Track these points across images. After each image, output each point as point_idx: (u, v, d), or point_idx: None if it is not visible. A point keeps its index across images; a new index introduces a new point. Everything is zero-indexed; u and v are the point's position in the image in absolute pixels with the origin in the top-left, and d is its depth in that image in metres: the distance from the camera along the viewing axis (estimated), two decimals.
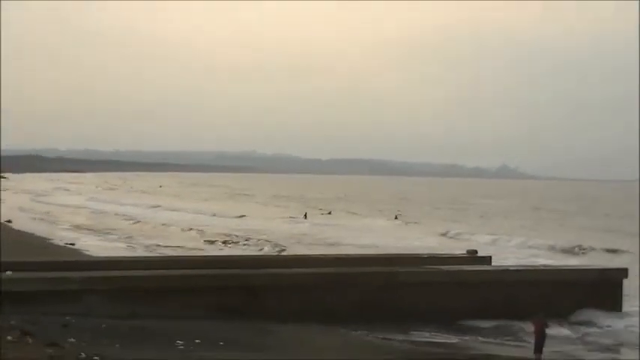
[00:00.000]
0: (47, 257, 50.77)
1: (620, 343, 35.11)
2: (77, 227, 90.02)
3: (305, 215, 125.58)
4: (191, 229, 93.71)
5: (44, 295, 33.78)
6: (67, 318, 30.70)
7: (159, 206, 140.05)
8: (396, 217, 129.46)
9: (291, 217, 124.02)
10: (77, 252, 61.65)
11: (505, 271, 45.00)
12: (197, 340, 29.35)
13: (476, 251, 52.93)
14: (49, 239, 71.39)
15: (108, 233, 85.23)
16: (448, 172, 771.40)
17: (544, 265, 55.92)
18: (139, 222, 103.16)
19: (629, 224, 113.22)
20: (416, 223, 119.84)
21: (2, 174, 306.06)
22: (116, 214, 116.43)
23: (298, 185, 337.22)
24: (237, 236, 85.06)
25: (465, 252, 53.16)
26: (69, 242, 68.70)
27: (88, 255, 57.75)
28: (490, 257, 50.58)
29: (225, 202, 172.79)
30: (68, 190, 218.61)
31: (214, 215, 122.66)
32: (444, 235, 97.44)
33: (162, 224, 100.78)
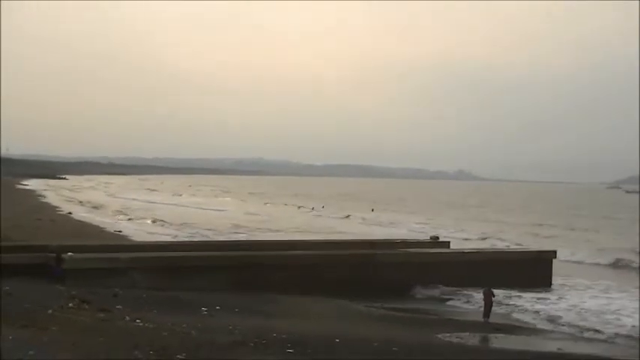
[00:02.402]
0: (100, 241, 50.91)
1: (548, 310, 35.13)
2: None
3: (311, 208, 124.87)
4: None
5: (98, 272, 33.89)
6: (116, 290, 30.83)
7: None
8: (372, 210, 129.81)
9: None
10: (124, 237, 61.76)
11: (461, 253, 45.23)
12: (217, 307, 29.49)
13: (438, 237, 53.00)
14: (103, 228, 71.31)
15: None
16: (415, 174, 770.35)
17: (492, 248, 56.11)
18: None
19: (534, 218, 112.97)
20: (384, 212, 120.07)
21: (65, 176, 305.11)
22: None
23: (300, 185, 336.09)
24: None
25: (429, 238, 53.24)
26: (117, 230, 68.72)
27: (132, 239, 57.79)
28: (449, 242, 50.67)
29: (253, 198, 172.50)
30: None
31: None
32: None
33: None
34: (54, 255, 34.73)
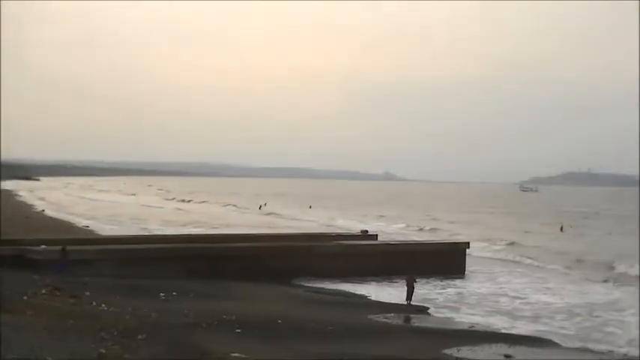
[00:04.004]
0: (70, 235, 50.34)
1: (463, 293, 35.56)
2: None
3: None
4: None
5: (69, 262, 33.48)
6: (85, 278, 30.56)
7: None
8: (310, 207, 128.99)
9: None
10: (91, 231, 61.12)
11: (387, 244, 45.52)
12: (174, 293, 29.38)
13: (367, 231, 53.13)
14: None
15: None
16: (349, 176, 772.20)
17: (413, 240, 56.46)
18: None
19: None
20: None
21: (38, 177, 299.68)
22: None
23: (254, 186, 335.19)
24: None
25: (359, 231, 53.39)
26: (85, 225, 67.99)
27: (99, 234, 57.25)
28: (377, 235, 50.85)
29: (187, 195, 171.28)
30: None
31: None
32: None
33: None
34: (59, 248, 34.33)
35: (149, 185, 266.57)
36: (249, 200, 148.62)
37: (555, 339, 24.89)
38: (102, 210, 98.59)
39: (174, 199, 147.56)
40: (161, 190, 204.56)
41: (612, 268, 46.85)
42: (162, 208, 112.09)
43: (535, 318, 29.22)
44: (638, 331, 26.30)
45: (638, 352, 23.06)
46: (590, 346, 24.00)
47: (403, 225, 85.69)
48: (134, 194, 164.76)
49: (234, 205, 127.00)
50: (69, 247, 34.90)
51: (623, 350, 23.38)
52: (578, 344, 24.23)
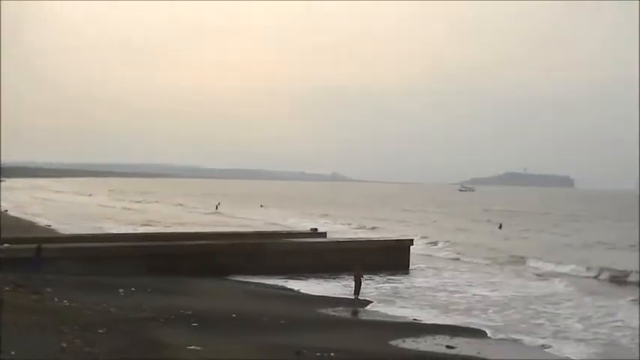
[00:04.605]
0: (33, 234, 49.61)
1: (407, 288, 35.82)
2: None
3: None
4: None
5: (24, 260, 32.90)
6: (48, 275, 30.17)
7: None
8: (261, 206, 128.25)
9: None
10: (53, 230, 60.30)
11: (335, 242, 45.69)
12: (132, 289, 29.19)
13: (316, 229, 53.28)
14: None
15: None
16: (298, 177, 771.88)
17: (360, 238, 56.71)
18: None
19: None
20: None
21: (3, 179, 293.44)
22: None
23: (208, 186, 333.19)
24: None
25: (309, 229, 53.48)
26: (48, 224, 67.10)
27: (60, 232, 56.49)
28: (326, 232, 51.02)
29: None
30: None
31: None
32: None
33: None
34: (34, 246, 33.83)
35: (105, 186, 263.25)
36: (201, 200, 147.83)
37: (487, 330, 25.25)
38: (61, 210, 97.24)
39: (125, 200, 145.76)
40: (113, 190, 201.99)
41: (524, 261, 48.12)
42: (114, 207, 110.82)
43: (470, 310, 29.68)
44: (562, 323, 26.95)
45: (558, 344, 23.42)
46: (516, 337, 24.35)
47: (345, 223, 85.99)
48: (90, 194, 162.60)
49: (181, 205, 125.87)
50: (28, 246, 34.49)
51: (546, 341, 23.71)
52: (505, 335, 24.55)
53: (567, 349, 22.62)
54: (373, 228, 79.93)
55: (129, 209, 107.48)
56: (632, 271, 41.67)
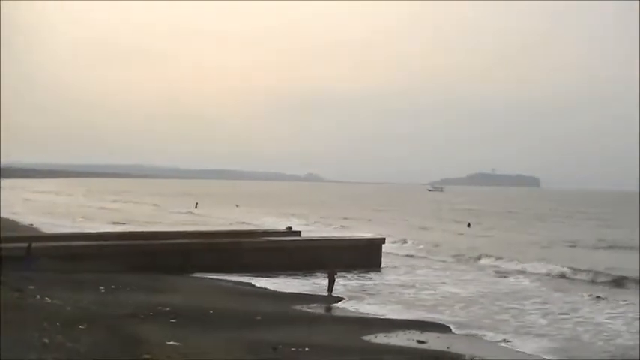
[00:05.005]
0: (17, 233, 49.20)
1: (379, 285, 35.96)
2: None
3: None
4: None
5: (14, 258, 32.65)
6: (29, 273, 29.94)
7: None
8: (237, 206, 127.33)
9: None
10: (35, 229, 59.84)
11: (309, 240, 45.68)
12: (113, 286, 29.07)
13: (291, 227, 53.33)
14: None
15: None
16: (274, 177, 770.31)
17: (334, 236, 56.67)
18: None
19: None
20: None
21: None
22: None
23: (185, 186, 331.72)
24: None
25: (285, 228, 53.51)
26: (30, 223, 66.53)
27: (43, 231, 56.05)
28: (300, 231, 51.03)
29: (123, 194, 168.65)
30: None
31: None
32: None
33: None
34: (26, 245, 33.53)
35: (87, 187, 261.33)
36: (180, 200, 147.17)
37: (452, 326, 25.44)
38: (39, 209, 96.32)
39: (104, 200, 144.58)
40: (90, 190, 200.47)
41: (491, 259, 48.54)
42: (90, 207, 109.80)
43: (437, 306, 29.91)
44: (527, 319, 27.21)
45: (519, 339, 23.62)
46: (479, 332, 24.53)
47: (316, 222, 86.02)
48: (71, 195, 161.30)
49: (156, 205, 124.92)
50: (7, 245, 34.26)
51: (507, 336, 23.90)
52: (468, 330, 24.74)
53: (527, 344, 22.82)
54: (342, 227, 79.65)
55: (104, 208, 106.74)
56: (591, 270, 41.93)
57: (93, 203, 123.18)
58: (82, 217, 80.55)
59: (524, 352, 21.76)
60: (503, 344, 22.84)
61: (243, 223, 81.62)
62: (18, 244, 35.35)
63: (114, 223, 73.72)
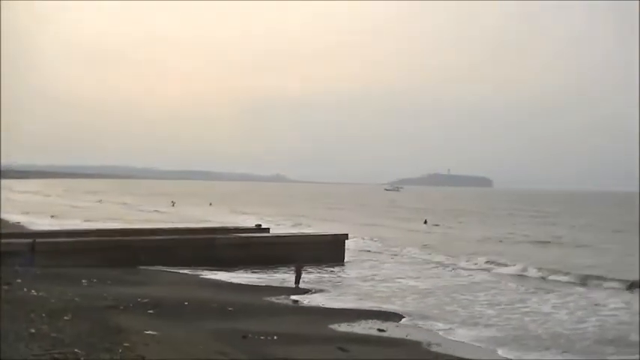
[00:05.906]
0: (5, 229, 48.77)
1: (342, 278, 36.21)
2: None
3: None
4: None
5: (4, 253, 32.40)
6: (17, 267, 29.81)
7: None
8: (210, 204, 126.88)
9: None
10: (22, 226, 59.24)
11: (278, 237, 45.85)
12: (94, 280, 29.03)
13: (260, 225, 53.33)
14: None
15: None
16: (244, 177, 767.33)
17: (300, 233, 56.83)
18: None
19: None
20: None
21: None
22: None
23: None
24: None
25: (254, 225, 53.52)
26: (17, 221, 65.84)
27: (31, 228, 55.58)
28: (269, 228, 51.08)
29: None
30: None
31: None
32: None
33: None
34: (30, 241, 33.26)
35: (66, 187, 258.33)
36: (155, 199, 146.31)
37: (407, 316, 25.61)
38: (15, 208, 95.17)
39: (77, 198, 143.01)
40: (68, 190, 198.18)
41: (447, 254, 48.54)
42: (65, 205, 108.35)
43: (390, 297, 30.19)
44: (476, 310, 27.61)
45: (464, 328, 23.93)
46: (426, 322, 24.67)
47: (276, 220, 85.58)
48: (48, 195, 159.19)
49: (126, 203, 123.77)
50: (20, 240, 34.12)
51: (453, 326, 24.22)
52: (416, 321, 24.84)
53: (470, 332, 22.93)
54: (295, 224, 78.46)
55: (78, 207, 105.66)
56: (539, 268, 41.99)
57: (66, 202, 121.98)
58: (52, 216, 79.65)
59: (460, 341, 21.77)
60: (447, 333, 22.98)
61: (222, 221, 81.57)
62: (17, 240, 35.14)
63: (86, 220, 73.33)
